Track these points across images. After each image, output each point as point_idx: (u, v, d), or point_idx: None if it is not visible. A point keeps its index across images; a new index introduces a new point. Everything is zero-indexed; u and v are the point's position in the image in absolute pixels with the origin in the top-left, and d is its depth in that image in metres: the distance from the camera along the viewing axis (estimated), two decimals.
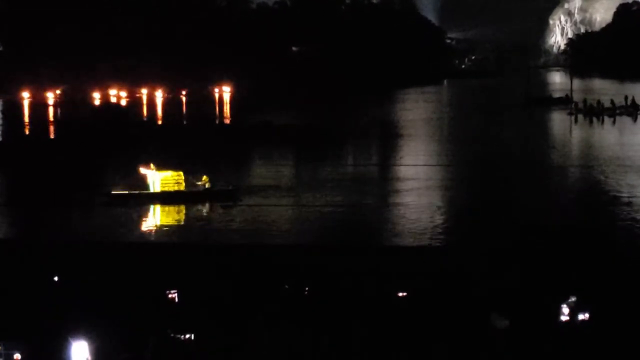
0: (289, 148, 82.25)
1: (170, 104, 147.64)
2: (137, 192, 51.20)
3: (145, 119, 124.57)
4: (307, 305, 24.66)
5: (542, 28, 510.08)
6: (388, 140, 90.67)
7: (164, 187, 51.17)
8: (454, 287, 26.51)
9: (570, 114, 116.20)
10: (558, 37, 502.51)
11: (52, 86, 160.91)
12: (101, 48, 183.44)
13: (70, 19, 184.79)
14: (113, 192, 51.41)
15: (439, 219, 45.52)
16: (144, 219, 48.68)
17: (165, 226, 46.03)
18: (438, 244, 39.52)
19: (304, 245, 38.69)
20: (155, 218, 48.70)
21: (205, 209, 49.24)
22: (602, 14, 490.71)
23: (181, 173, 51.91)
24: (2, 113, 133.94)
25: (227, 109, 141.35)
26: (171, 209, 49.65)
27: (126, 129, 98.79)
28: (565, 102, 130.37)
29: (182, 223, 46.57)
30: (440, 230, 42.52)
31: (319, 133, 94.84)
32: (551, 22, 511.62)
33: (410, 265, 31.79)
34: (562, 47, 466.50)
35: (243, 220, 45.83)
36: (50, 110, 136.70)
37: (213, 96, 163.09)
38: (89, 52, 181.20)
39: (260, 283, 27.17)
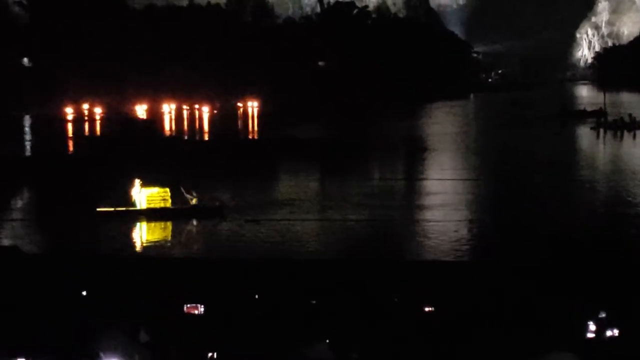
0: (314, 162, 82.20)
1: (197, 118, 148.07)
2: (123, 208, 50.53)
3: (171, 133, 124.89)
4: (333, 320, 24.53)
5: (569, 41, 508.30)
6: (415, 154, 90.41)
7: (149, 203, 50.55)
8: (481, 302, 26.29)
9: (593, 128, 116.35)
10: (585, 50, 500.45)
11: (80, 101, 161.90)
12: (128, 63, 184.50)
13: (96, 34, 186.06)
14: (99, 209, 50.72)
15: (466, 234, 45.26)
16: (165, 233, 48.50)
17: (190, 241, 45.93)
18: (466, 259, 39.27)
19: (330, 260, 38.53)
20: (178, 233, 48.42)
21: (230, 224, 49.05)
22: (629, 27, 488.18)
23: (167, 189, 51.10)
24: (31, 128, 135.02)
25: (253, 123, 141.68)
26: (196, 224, 49.44)
27: (152, 143, 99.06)
28: (599, 115, 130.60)
29: (206, 238, 46.38)
30: (467, 245, 42.25)
31: (345, 147, 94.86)
32: (578, 35, 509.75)
33: (438, 281, 31.55)
34: (589, 60, 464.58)
35: (268, 235, 45.71)
36: (80, 124, 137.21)
37: (241, 111, 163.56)
38: (117, 67, 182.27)
39: (287, 298, 27.05)
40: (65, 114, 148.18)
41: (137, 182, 51.34)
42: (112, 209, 50.59)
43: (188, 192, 51.18)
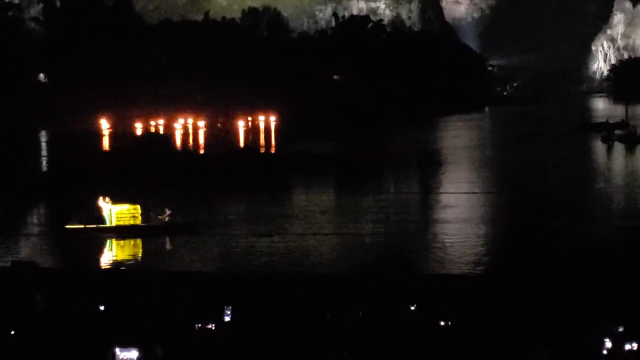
0: (329, 175, 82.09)
1: (210, 133, 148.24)
2: (93, 226, 49.65)
3: (184, 148, 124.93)
4: (348, 335, 24.42)
5: (585, 54, 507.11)
6: (429, 167, 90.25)
7: (119, 221, 49.69)
8: (495, 316, 26.12)
9: (603, 141, 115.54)
10: (601, 63, 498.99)
11: (96, 115, 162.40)
12: (141, 77, 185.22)
13: (112, 49, 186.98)
14: (67, 227, 50.06)
15: (482, 247, 45.06)
16: (177, 248, 48.08)
17: (202, 256, 45.74)
18: (481, 273, 39.06)
19: (345, 274, 38.41)
20: (192, 248, 48.11)
21: (244, 238, 48.92)
22: None
23: (138, 207, 50.24)
24: (47, 144, 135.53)
25: (265, 137, 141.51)
26: (208, 239, 49.13)
27: (165, 158, 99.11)
28: (622, 127, 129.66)
29: (219, 252, 46.20)
30: (483, 259, 42.04)
31: (359, 160, 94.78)
32: (594, 48, 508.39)
33: (454, 294, 31.39)
34: (605, 73, 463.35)
35: (282, 249, 45.63)
36: (97, 140, 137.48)
37: (253, 125, 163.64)
38: (133, 82, 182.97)
39: (301, 312, 26.96)
40: (81, 129, 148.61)
41: (107, 199, 50.51)
42: (82, 227, 49.79)
43: (157, 211, 50.56)
